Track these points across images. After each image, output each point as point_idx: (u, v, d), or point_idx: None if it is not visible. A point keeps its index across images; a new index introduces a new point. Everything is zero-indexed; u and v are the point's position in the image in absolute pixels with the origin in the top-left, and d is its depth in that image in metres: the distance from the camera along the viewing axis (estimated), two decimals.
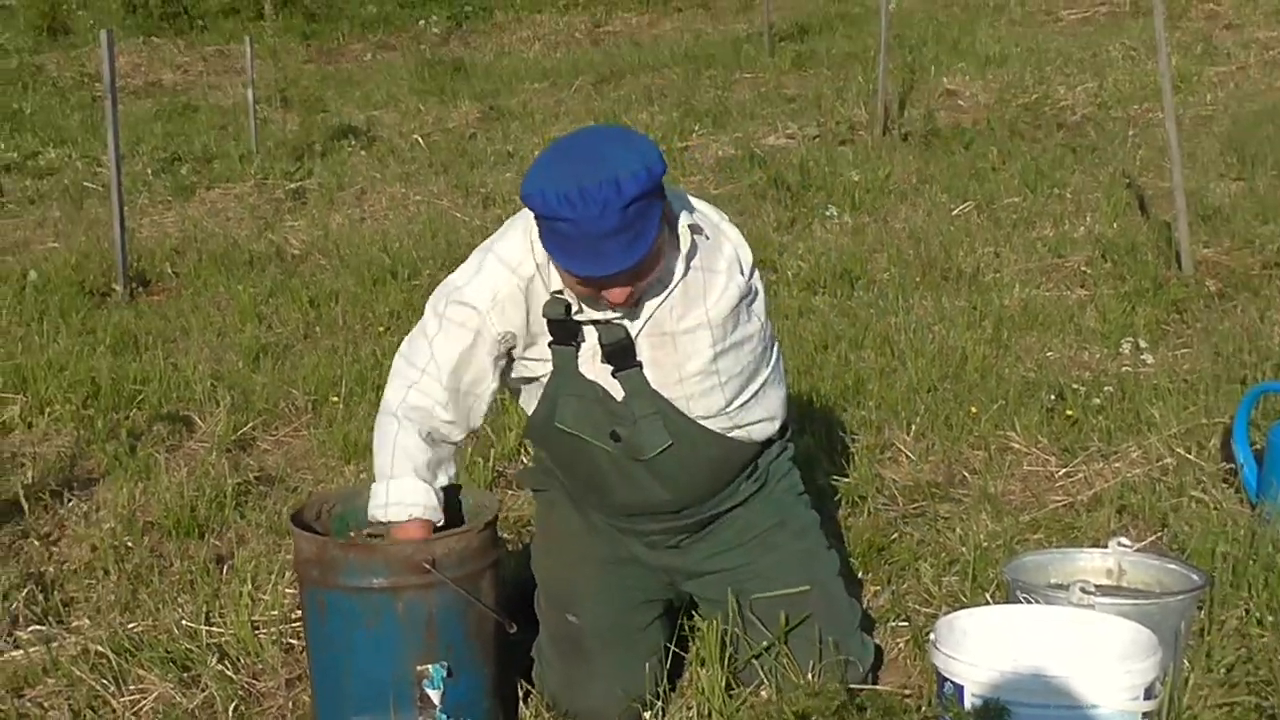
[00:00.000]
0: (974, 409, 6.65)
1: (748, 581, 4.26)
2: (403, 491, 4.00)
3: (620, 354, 3.97)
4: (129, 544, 5.66)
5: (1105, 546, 4.49)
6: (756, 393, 4.17)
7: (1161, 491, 5.65)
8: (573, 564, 4.35)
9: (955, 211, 11.17)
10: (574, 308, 3.92)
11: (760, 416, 4.21)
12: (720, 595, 4.28)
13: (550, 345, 4.00)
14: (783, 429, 4.37)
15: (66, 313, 9.74)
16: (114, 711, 4.38)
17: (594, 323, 3.94)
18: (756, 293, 4.12)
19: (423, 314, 4.09)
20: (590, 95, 17.86)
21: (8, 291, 10.33)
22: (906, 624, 4.70)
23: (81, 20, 26.44)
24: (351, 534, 4.21)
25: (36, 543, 5.73)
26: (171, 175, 14.89)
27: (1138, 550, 4.55)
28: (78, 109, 19.42)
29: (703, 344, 3.97)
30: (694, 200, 4.04)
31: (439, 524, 4.01)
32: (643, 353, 3.97)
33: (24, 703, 4.47)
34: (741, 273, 4.02)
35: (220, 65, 23.25)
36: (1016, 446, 6.31)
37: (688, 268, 3.91)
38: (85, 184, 14.78)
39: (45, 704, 4.46)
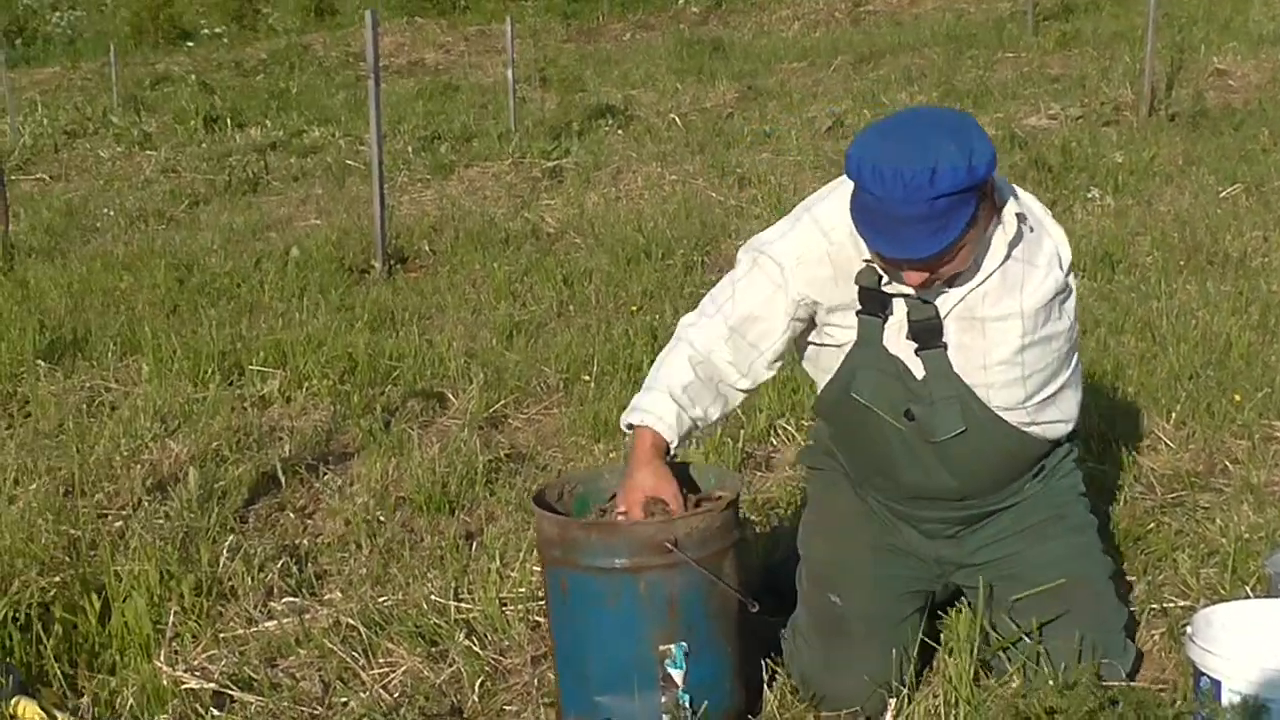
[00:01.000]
0: (1238, 397, 6.46)
1: (1016, 569, 4.18)
2: (649, 401, 4.03)
3: (927, 333, 3.91)
4: (381, 519, 5.74)
5: None
6: (1056, 392, 4.09)
7: None
8: (844, 546, 4.29)
9: (1223, 194, 10.89)
10: (883, 279, 3.88)
11: (1056, 417, 4.14)
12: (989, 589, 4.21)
13: (858, 314, 3.96)
14: (1072, 432, 4.28)
15: (326, 289, 9.93)
16: (363, 684, 4.43)
17: (905, 297, 3.89)
18: (1070, 291, 4.04)
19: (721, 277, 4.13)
20: (849, 75, 17.75)
21: (271, 268, 10.58)
22: (1163, 616, 4.57)
23: (348, 1, 26.97)
24: (592, 512, 4.21)
25: (292, 515, 5.85)
26: (431, 154, 15.10)
27: None
28: (342, 88, 19.83)
29: (1013, 333, 3.91)
30: (1021, 193, 3.99)
31: (672, 446, 4.03)
32: (950, 335, 3.92)
33: (277, 672, 4.54)
34: (1060, 268, 3.95)
35: (481, 45, 23.56)
36: None
37: (1008, 255, 3.85)
38: (347, 162, 15.07)
39: (297, 674, 4.53)
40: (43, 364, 8.13)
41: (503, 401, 7.24)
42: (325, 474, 6.28)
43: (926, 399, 3.96)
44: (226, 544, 5.36)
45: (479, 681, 4.39)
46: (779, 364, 4.13)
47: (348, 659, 4.55)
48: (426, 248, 11.33)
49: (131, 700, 4.38)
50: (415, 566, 5.25)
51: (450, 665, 4.51)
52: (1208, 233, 9.86)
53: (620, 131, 15.50)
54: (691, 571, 3.85)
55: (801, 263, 3.92)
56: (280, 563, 5.26)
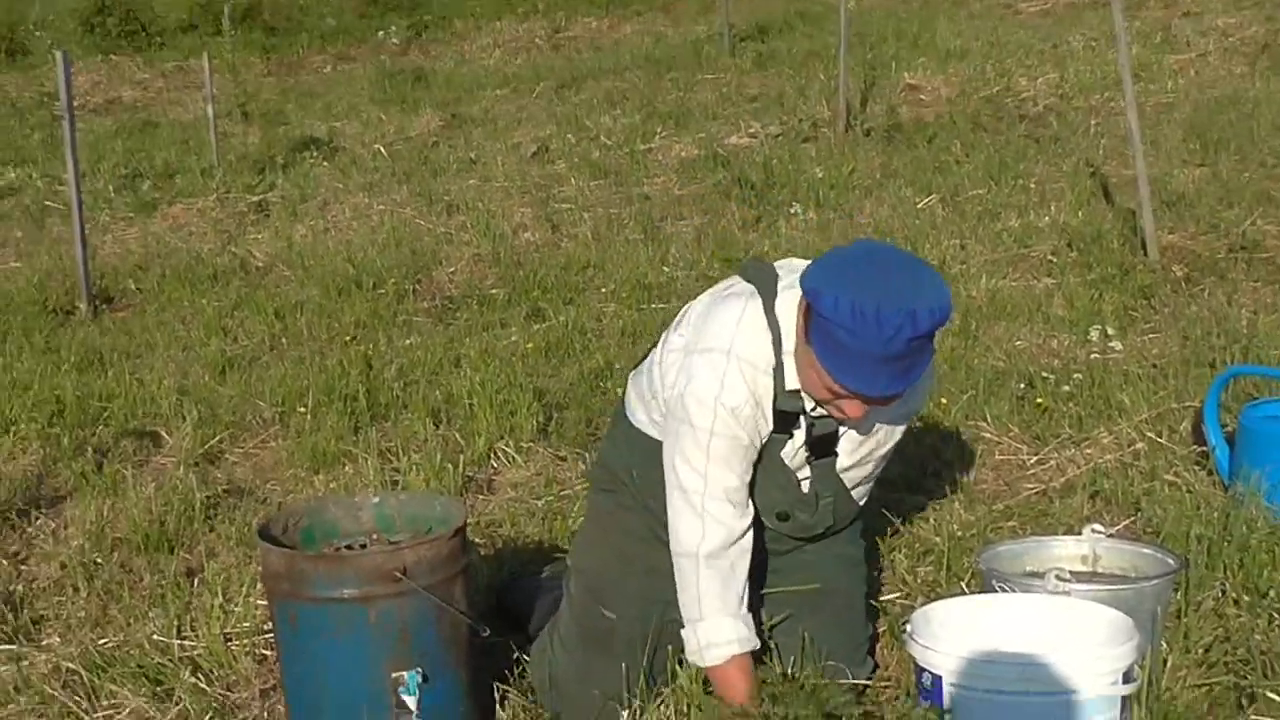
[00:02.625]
0: (944, 400, 6.63)
1: (779, 564, 4.30)
2: (714, 632, 3.94)
3: (825, 444, 4.02)
4: (98, 560, 5.63)
5: (1079, 533, 4.48)
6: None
7: (1134, 476, 5.65)
8: (624, 561, 4.30)
9: (920, 205, 11.15)
10: (808, 405, 3.92)
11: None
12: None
13: (771, 434, 3.98)
14: None
15: (30, 331, 9.68)
16: None
17: (817, 417, 3.97)
18: None
19: (679, 436, 3.96)
20: (553, 100, 17.79)
21: None
22: (883, 615, 4.67)
23: (40, 41, 26.33)
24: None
25: (4, 562, 5.70)
26: (133, 192, 14.79)
27: (1112, 536, 4.53)
28: (37, 128, 19.28)
29: (899, 432, 4.13)
30: None
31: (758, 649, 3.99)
32: (842, 443, 4.04)
33: None
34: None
35: (180, 81, 23.11)
36: (988, 436, 6.31)
37: None
38: (46, 203, 14.68)
39: None
40: None
41: (218, 437, 7.13)
42: (37, 518, 6.13)
43: (812, 505, 4.09)
44: None
45: (207, 718, 4.33)
46: None
47: (70, 704, 4.47)
48: (133, 286, 11.10)
49: None
50: (136, 607, 5.15)
51: (177, 704, 4.45)
52: (907, 242, 10.07)
53: (326, 164, 15.33)
54: (422, 599, 3.85)
55: (753, 398, 3.89)
56: None
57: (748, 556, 3.98)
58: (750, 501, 4.01)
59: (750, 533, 3.99)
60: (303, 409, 7.40)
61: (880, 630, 4.57)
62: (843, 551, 4.35)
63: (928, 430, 6.36)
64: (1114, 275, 8.68)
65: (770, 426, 3.94)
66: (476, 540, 5.33)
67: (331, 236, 12.24)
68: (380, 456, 6.50)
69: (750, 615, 3.98)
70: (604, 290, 9.54)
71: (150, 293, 10.90)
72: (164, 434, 7.29)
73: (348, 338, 8.99)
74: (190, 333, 9.56)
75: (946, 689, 3.55)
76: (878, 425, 4.03)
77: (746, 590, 3.99)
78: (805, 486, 4.08)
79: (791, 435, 3.98)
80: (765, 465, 4.01)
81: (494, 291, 9.88)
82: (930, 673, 3.60)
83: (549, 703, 4.27)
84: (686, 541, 3.94)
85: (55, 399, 7.74)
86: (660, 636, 4.22)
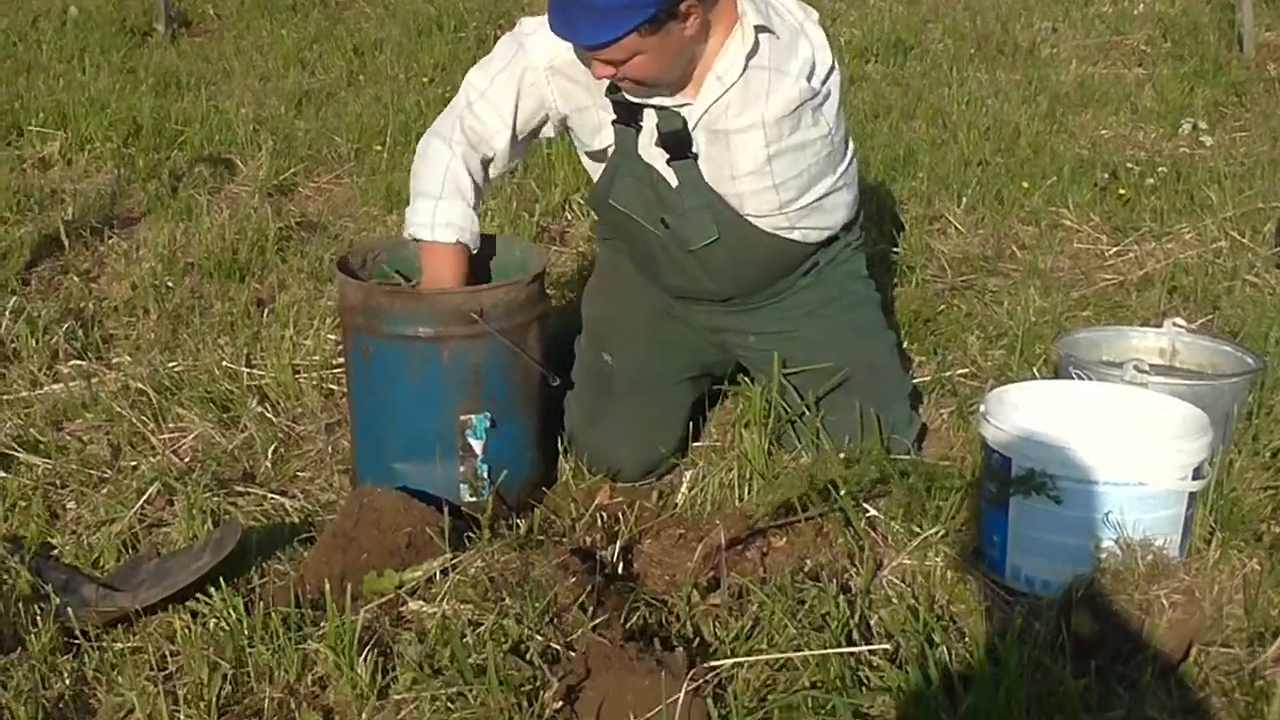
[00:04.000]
0: (1026, 184, 6.55)
1: (792, 347, 4.23)
2: (452, 212, 4.00)
3: (676, 143, 3.92)
4: (169, 284, 5.63)
5: (1158, 326, 4.43)
6: (822, 197, 4.10)
7: (1215, 274, 5.58)
8: (621, 305, 4.34)
9: None
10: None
11: (821, 223, 4.16)
12: (763, 360, 4.27)
13: (613, 123, 3.95)
14: (847, 227, 4.31)
15: (107, 50, 9.63)
16: (153, 448, 4.36)
17: (655, 108, 3.88)
18: (827, 96, 4.00)
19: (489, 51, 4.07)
20: None
21: (48, 27, 10.23)
22: (952, 395, 4.65)
23: None
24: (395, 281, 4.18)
25: (76, 279, 5.70)
26: None
27: (1193, 331, 4.47)
28: None
29: (755, 144, 3.89)
30: (781, 1, 3.94)
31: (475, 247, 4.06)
32: (699, 146, 3.92)
33: (63, 435, 4.46)
34: (811, 77, 3.90)
35: None
36: (1068, 224, 6.23)
37: (745, 66, 3.81)
38: None
39: (84, 437, 4.45)
40: None
41: (293, 170, 7.11)
42: (110, 238, 6.13)
43: (679, 208, 3.99)
44: (9, 305, 5.23)
45: (272, 447, 4.36)
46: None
47: (137, 423, 4.48)
48: (211, 11, 11.03)
49: None
50: (205, 333, 5.17)
51: (243, 431, 4.46)
52: (998, 22, 9.92)
53: None
54: (495, 343, 3.83)
55: (553, 66, 3.90)
56: (65, 326, 5.14)
57: (482, 170, 4.09)
58: (517, 155, 4.13)
59: (490, 172, 4.13)
60: (379, 147, 7.36)
61: (949, 410, 4.55)
62: (849, 320, 4.29)
63: (1005, 214, 6.29)
64: (1207, 69, 8.53)
65: (603, 104, 3.93)
66: (551, 292, 5.30)
67: None
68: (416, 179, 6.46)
69: (478, 223, 4.10)
70: None
71: (229, 19, 10.83)
72: (239, 162, 7.27)
73: (426, 79, 8.92)
74: (268, 63, 9.51)
75: (1015, 469, 3.53)
76: (728, 133, 3.88)
77: (480, 205, 4.13)
78: (673, 186, 4.01)
79: (636, 127, 3.94)
80: (625, 161, 4.00)
81: None
82: (1000, 454, 3.58)
83: (572, 446, 4.29)
84: (443, 124, 4.11)
85: (132, 119, 7.73)
86: (661, 382, 4.28)
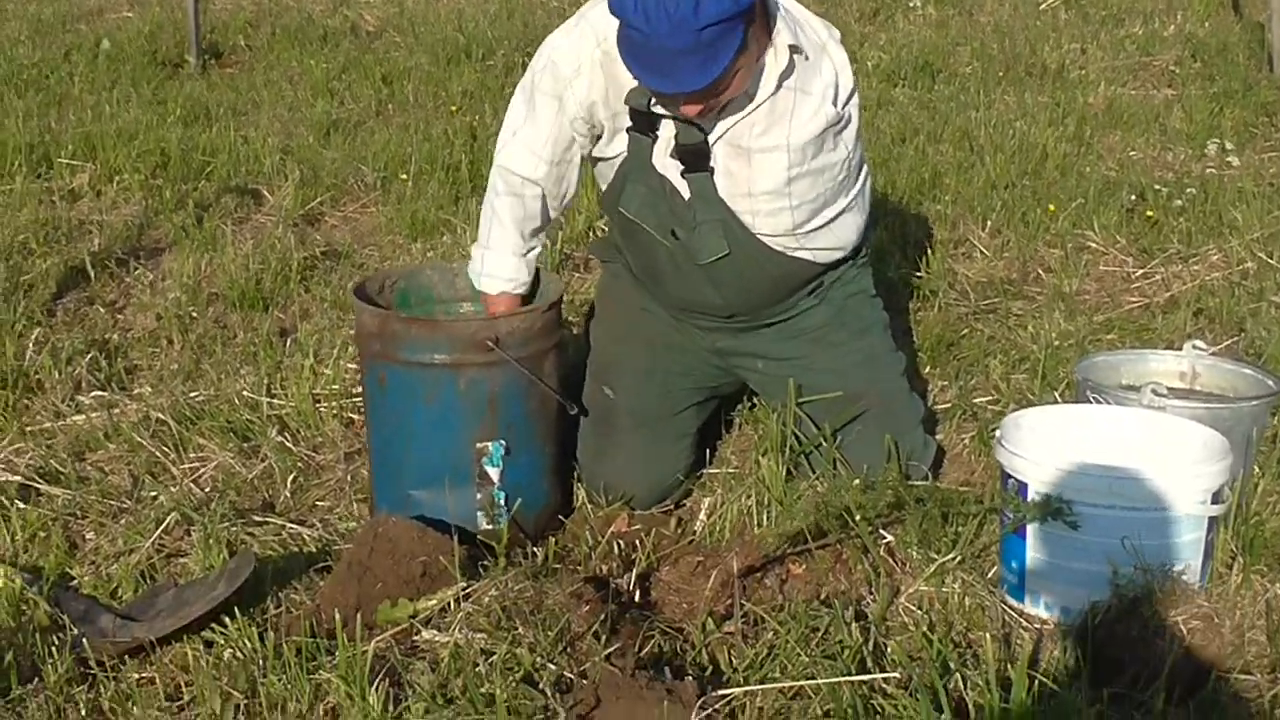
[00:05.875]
0: (1052, 207, 6.53)
1: (802, 375, 4.21)
2: (497, 264, 4.06)
3: (693, 156, 3.88)
4: (194, 314, 5.65)
5: (1180, 349, 4.41)
6: (832, 220, 4.07)
7: (1240, 296, 5.56)
8: (621, 339, 4.34)
9: (1042, 6, 10.94)
10: (651, 101, 3.82)
11: (830, 243, 4.12)
12: (773, 386, 4.26)
13: (628, 130, 3.92)
14: (856, 250, 4.28)
15: (138, 82, 9.67)
16: (173, 477, 4.37)
17: (675, 119, 3.84)
18: (849, 121, 3.98)
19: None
20: None
21: (81, 59, 10.27)
22: (973, 420, 4.63)
23: None
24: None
25: (102, 310, 5.72)
26: None
27: (1213, 354, 4.45)
28: None
29: (778, 165, 3.87)
30: (805, 16, 3.90)
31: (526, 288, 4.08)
32: (717, 160, 3.89)
33: (85, 466, 4.47)
34: (835, 100, 3.89)
35: None
36: (1094, 246, 6.21)
37: (778, 86, 3.79)
38: None
39: (106, 468, 4.46)
40: None
41: (319, 199, 7.12)
42: (136, 269, 6.15)
43: (690, 221, 3.96)
44: (33, 337, 5.25)
45: (291, 477, 4.36)
46: (580, 176, 4.15)
47: (157, 453, 4.49)
48: (242, 43, 11.06)
49: None
50: (228, 362, 5.18)
51: (262, 461, 4.47)
52: (1027, 44, 9.91)
53: None
54: (512, 370, 3.83)
55: (580, 71, 3.86)
56: (89, 357, 5.15)
57: (537, 211, 4.08)
58: (566, 184, 4.11)
59: (546, 209, 4.11)
60: (405, 176, 7.37)
61: (970, 435, 4.53)
62: (858, 347, 4.25)
63: (1030, 236, 6.27)
64: (1236, 90, 8.50)
65: (620, 110, 3.90)
66: (569, 319, 5.30)
67: (443, 4, 12.16)
68: (478, 228, 6.45)
69: (533, 261, 4.16)
70: None
71: (259, 50, 10.87)
72: (265, 192, 7.29)
73: (454, 108, 8.93)
74: (297, 93, 9.54)
75: (1031, 495, 3.52)
76: (750, 151, 3.85)
77: (537, 247, 4.17)
78: (685, 198, 3.97)
79: (652, 137, 3.91)
80: (637, 170, 3.96)
81: None
82: (1016, 479, 3.57)
83: (583, 476, 4.30)
84: (494, 165, 4.10)
85: (160, 150, 7.75)
86: (662, 415, 4.28)
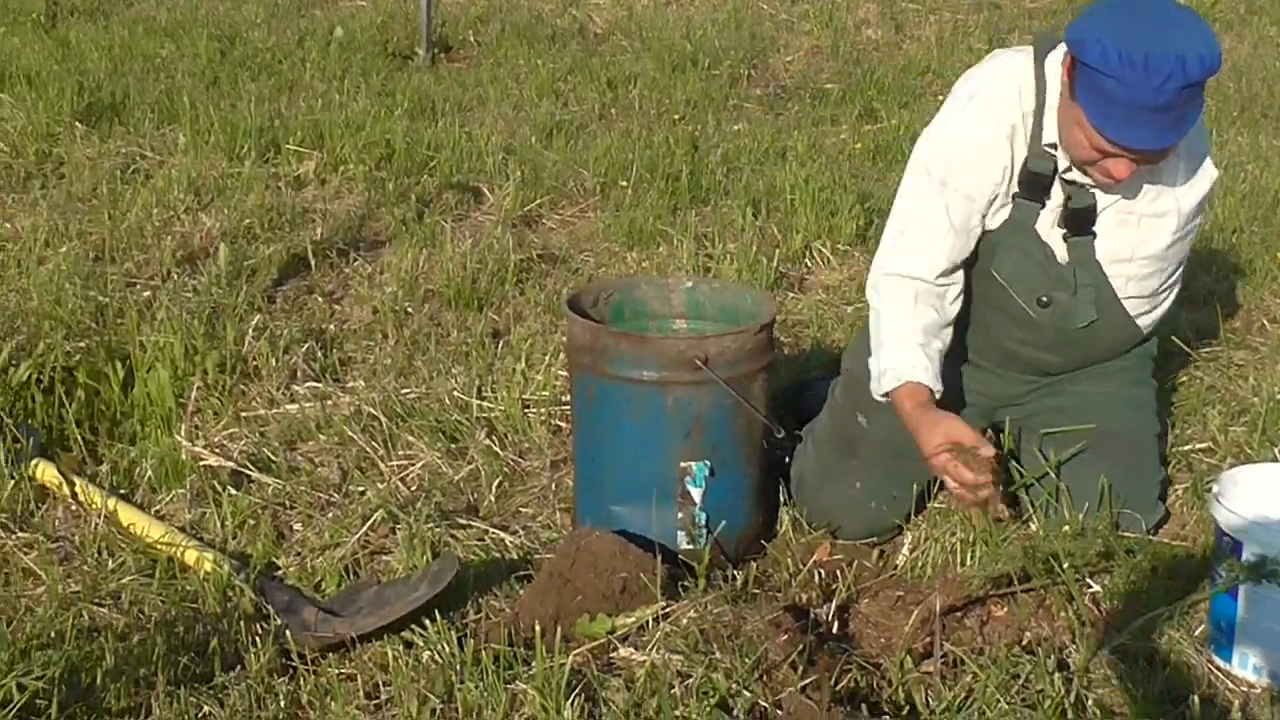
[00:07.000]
0: None
1: (1064, 402, 4.20)
2: (899, 359, 3.83)
3: (1080, 220, 3.87)
4: (409, 309, 5.71)
5: None
6: (1174, 284, 4.10)
7: None
8: None
9: None
10: (1061, 166, 3.81)
11: (1168, 307, 4.17)
12: (1031, 421, 4.23)
13: (1015, 197, 3.89)
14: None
15: (368, 73, 9.80)
16: (381, 474, 4.43)
17: (1067, 183, 3.84)
18: (1215, 187, 4.00)
19: (905, 170, 4.01)
20: None
21: (314, 46, 10.44)
22: (1188, 471, 4.53)
23: None
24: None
25: (320, 299, 5.82)
26: None
27: None
28: None
29: (1166, 230, 3.89)
30: None
31: (938, 391, 3.80)
32: (1101, 225, 3.88)
33: (296, 456, 4.55)
34: (1212, 164, 3.91)
35: None
36: None
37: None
38: None
39: (316, 459, 4.54)
40: (80, 126, 8.05)
41: (538, 201, 7.16)
42: (356, 260, 6.24)
43: (1070, 285, 3.94)
44: (253, 323, 5.35)
45: (496, 481, 4.39)
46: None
47: (367, 449, 4.56)
48: (472, 38, 11.17)
49: (150, 472, 4.40)
50: (440, 361, 5.23)
51: (469, 463, 4.51)
52: (1264, 85, 9.70)
53: None
54: (719, 391, 3.82)
55: (982, 154, 3.83)
56: (305, 346, 5.24)
57: (941, 307, 3.90)
58: (948, 262, 3.90)
59: (950, 290, 3.92)
60: (624, 183, 7.39)
61: (1184, 487, 4.43)
62: (1129, 394, 4.22)
63: (1257, 285, 6.13)
64: None
65: (1006, 184, 3.85)
66: (781, 339, 5.28)
67: (673, 10, 12.16)
68: (696, 240, 6.46)
69: (936, 358, 3.83)
70: (940, 98, 9.33)
71: (488, 47, 10.96)
72: (486, 191, 7.35)
73: (677, 116, 8.94)
74: (522, 92, 9.60)
75: (1246, 555, 3.44)
76: (1140, 216, 3.86)
77: (939, 341, 3.88)
78: (1064, 265, 3.94)
79: (1044, 204, 3.87)
80: (1018, 235, 3.91)
81: (828, 86, 9.76)
82: (1231, 538, 3.49)
83: (797, 497, 4.24)
84: (880, 266, 3.95)
85: (385, 142, 7.85)
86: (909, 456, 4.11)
